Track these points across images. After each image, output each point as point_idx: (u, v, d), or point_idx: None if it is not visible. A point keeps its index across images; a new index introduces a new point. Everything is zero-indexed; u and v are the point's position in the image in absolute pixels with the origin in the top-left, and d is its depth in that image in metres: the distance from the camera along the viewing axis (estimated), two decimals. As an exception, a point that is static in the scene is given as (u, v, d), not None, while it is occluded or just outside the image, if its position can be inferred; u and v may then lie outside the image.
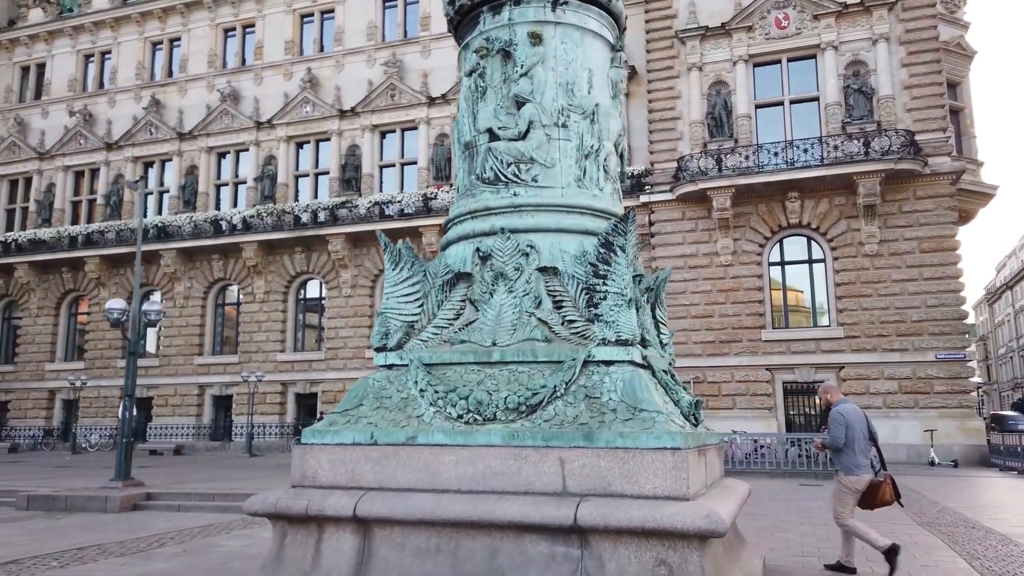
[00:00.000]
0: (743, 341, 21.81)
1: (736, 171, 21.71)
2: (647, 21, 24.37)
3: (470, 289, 4.38)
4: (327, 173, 28.10)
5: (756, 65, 22.93)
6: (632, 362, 4.04)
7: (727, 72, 22.92)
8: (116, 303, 11.58)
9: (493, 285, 4.30)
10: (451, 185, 26.10)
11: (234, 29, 30.44)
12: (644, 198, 23.23)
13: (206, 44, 30.49)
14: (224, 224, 27.71)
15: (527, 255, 4.30)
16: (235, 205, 29.13)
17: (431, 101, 26.77)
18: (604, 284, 4.08)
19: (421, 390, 4.09)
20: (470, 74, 4.81)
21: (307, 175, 28.54)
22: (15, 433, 29.49)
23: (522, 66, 4.61)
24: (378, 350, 4.44)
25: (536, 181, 4.53)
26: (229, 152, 29.55)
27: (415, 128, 27.21)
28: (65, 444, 28.01)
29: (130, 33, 31.78)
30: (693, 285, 22.46)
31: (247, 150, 29.09)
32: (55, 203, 31.47)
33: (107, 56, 32.31)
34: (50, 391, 30.18)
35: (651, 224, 23.28)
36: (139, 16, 31.39)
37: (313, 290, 28.02)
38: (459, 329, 4.34)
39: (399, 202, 25.78)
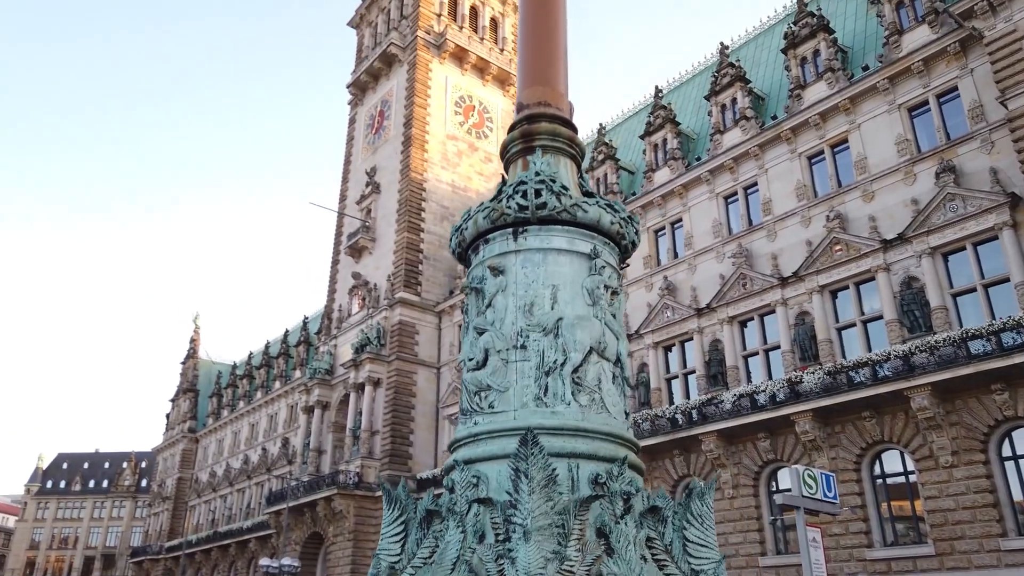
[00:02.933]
0: None
1: None
2: (1015, 140, 20.73)
3: (442, 526, 4.39)
4: (693, 372, 28.34)
5: None
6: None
7: None
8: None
9: (446, 521, 4.27)
10: (819, 365, 24.07)
11: (603, 257, 34.04)
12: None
13: (583, 275, 34.53)
14: (608, 435, 29.31)
15: (476, 486, 4.20)
16: (620, 415, 30.83)
17: (783, 282, 25.90)
18: (515, 514, 3.77)
19: (370, 639, 4.12)
20: (462, 312, 5.14)
21: (676, 376, 29.12)
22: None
23: (487, 298, 4.81)
24: (368, 593, 4.60)
25: (492, 407, 4.49)
26: (609, 366, 31.89)
27: (772, 312, 26.33)
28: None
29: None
30: None
31: (623, 362, 31.08)
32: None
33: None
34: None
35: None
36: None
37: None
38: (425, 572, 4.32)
39: (763, 391, 24.50)
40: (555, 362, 4.52)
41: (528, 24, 5.86)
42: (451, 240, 5.42)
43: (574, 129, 5.60)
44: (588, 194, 5.44)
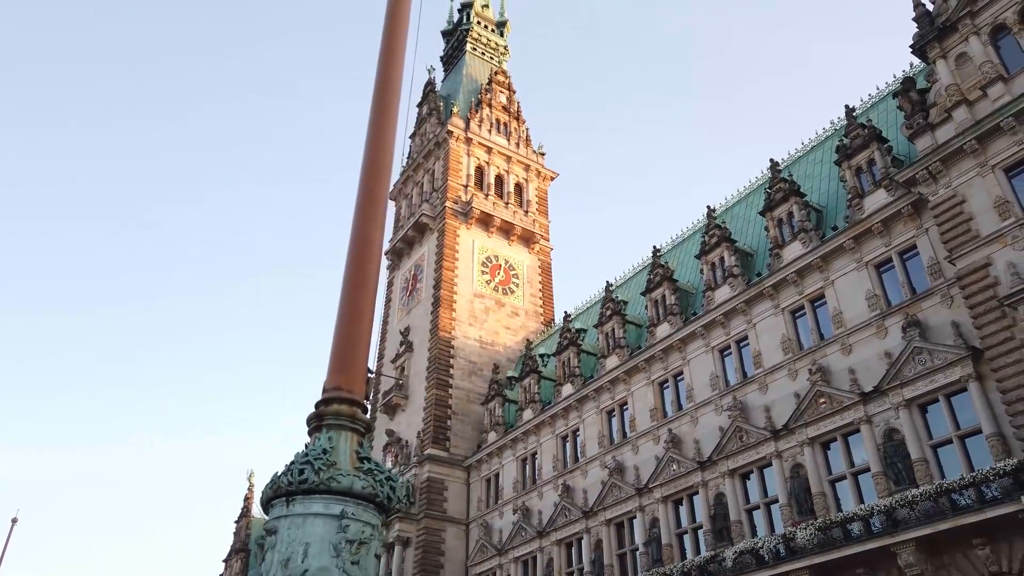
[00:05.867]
0: None
1: None
2: (966, 297, 21.75)
3: None
4: (701, 527, 28.51)
5: (1117, 305, 18.26)
6: None
7: (1080, 324, 18.61)
8: None
9: None
10: (815, 519, 24.17)
11: (613, 411, 35.10)
12: (1029, 499, 18.51)
13: (596, 429, 35.50)
14: (619, 595, 29.26)
15: None
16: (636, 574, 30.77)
17: (775, 435, 26.51)
18: None
19: None
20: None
21: (686, 531, 29.26)
22: None
23: (263, 553, 6.49)
24: None
25: (249, 644, 6.07)
26: (623, 522, 32.15)
27: (769, 465, 26.77)
28: None
29: (547, 435, 38.76)
30: None
31: (635, 517, 31.37)
32: (513, 591, 36.96)
33: (535, 456, 39.44)
34: None
35: (1055, 532, 18.08)
36: (549, 419, 38.45)
37: (712, 657, 26.74)
38: None
39: (761, 548, 24.63)
40: (297, 607, 6.12)
41: (338, 324, 7.86)
42: (260, 499, 7.20)
43: (362, 407, 7.43)
44: (364, 459, 7.19)
